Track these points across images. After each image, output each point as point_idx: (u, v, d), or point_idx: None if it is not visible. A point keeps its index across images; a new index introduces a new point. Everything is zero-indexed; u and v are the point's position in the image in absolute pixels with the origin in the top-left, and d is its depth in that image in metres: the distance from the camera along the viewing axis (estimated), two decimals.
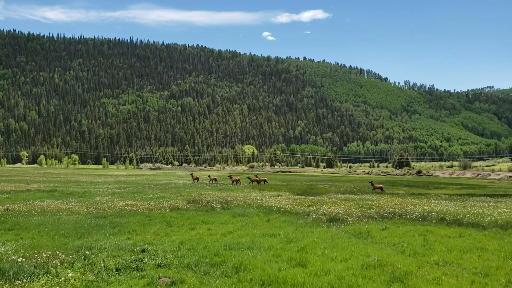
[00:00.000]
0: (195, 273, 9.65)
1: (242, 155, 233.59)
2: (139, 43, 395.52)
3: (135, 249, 11.70)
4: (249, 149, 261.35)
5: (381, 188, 38.50)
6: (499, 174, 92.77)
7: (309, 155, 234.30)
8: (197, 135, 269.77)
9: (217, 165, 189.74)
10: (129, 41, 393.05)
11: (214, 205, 23.98)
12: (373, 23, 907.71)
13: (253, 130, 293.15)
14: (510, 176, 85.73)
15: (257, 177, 52.71)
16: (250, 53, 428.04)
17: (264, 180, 50.10)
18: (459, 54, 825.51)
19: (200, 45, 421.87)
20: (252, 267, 9.87)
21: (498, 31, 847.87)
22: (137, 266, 10.03)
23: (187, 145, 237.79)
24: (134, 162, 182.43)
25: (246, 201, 26.46)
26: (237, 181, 48.89)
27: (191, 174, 56.94)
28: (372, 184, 40.03)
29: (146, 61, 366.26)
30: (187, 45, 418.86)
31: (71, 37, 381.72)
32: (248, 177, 52.29)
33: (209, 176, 55.91)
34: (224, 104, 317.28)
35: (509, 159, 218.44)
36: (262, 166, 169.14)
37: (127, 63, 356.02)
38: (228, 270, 9.84)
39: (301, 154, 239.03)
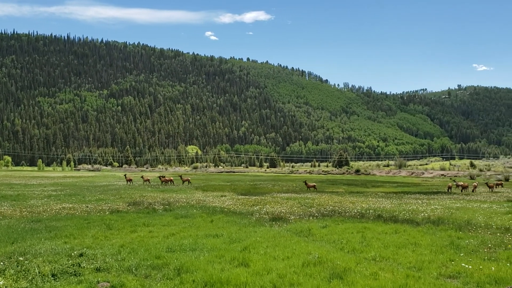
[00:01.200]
0: (136, 277, 9.44)
1: (186, 155, 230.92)
2: (77, 40, 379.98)
3: (72, 254, 11.27)
4: (192, 149, 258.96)
5: (314, 186, 39.72)
6: (431, 173, 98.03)
7: (253, 155, 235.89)
8: (138, 135, 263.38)
9: (160, 166, 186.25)
10: (66, 38, 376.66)
11: (156, 207, 23.56)
12: (314, 26, 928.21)
13: (197, 130, 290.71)
14: (442, 175, 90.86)
15: (181, 177, 52.59)
16: (193, 53, 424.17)
17: (188, 180, 49.85)
18: (394, 58, 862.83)
19: (141, 43, 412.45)
20: (195, 269, 9.80)
21: (431, 36, 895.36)
22: (74, 271, 9.66)
23: (128, 146, 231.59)
24: (72, 163, 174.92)
25: (189, 202, 26.22)
26: (171, 181, 48.68)
27: (125, 175, 55.65)
28: (306, 184, 41.08)
29: (84, 59, 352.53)
30: (127, 43, 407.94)
31: (3, 32, 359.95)
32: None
33: (142, 177, 54.73)
34: (166, 103, 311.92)
35: (441, 158, 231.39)
36: (206, 167, 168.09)
37: (64, 60, 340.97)
38: (170, 272, 9.70)
39: (245, 154, 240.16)
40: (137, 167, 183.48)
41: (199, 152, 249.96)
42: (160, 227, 16.36)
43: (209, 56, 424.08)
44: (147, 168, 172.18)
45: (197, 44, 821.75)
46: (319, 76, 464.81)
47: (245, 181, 59.35)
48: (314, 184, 40.56)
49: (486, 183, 45.17)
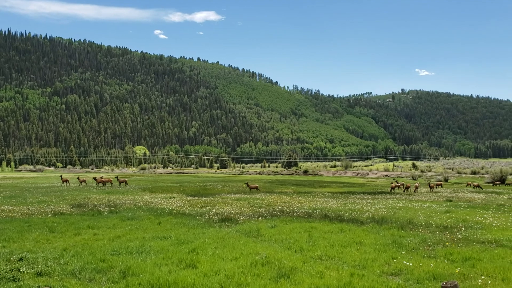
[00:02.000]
0: (79, 281, 9.14)
1: (133, 156, 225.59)
2: (18, 35, 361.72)
3: (11, 258, 10.75)
4: (140, 150, 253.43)
5: (256, 187, 39.82)
6: (376, 173, 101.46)
7: (203, 156, 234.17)
8: (83, 135, 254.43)
9: (106, 167, 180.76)
10: (6, 32, 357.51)
11: (101, 209, 22.90)
12: (264, 28, 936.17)
13: (145, 131, 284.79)
14: (386, 175, 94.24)
15: (117, 178, 51.31)
16: (142, 51, 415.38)
17: (124, 181, 48.68)
18: (341, 61, 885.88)
19: (87, 40, 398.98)
20: (141, 271, 9.62)
21: (376, 41, 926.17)
22: (13, 276, 9.21)
23: (72, 146, 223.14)
24: (12, 164, 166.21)
25: (137, 204, 25.69)
26: (109, 182, 47.61)
27: (61, 176, 53.58)
28: (247, 185, 41.08)
29: (26, 55, 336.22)
30: (73, 40, 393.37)
31: None
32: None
33: (78, 178, 52.79)
34: (113, 102, 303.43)
35: (385, 159, 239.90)
36: (155, 168, 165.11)
37: (5, 56, 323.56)
38: (115, 275, 9.47)
39: (195, 155, 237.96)
40: (82, 168, 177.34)
41: (147, 153, 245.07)
42: (105, 230, 15.91)
43: (158, 55, 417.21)
44: (92, 169, 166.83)
45: (146, 42, 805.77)
46: (269, 78, 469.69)
47: (195, 182, 58.88)
48: (256, 185, 40.71)
49: (428, 184, 47.33)
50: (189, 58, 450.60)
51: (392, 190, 42.22)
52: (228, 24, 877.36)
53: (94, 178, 48.86)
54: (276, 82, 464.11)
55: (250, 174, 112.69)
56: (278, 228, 15.92)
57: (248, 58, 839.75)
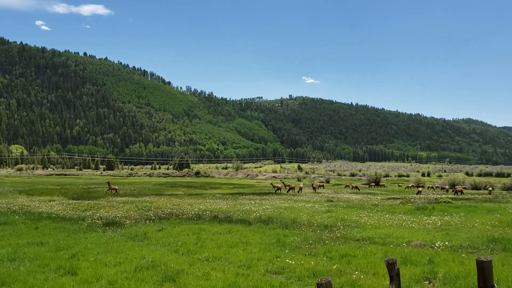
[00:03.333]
0: None
1: (9, 156, 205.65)
2: None
3: None
4: (17, 149, 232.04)
5: (115, 189, 38.84)
6: (265, 175, 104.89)
7: (87, 157, 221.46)
8: None
9: None
10: None
11: None
12: (157, 26, 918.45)
13: (23, 128, 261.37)
14: (273, 177, 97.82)
15: None
16: (22, 42, 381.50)
17: None
18: (235, 65, 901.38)
19: None
20: (13, 281, 8.84)
21: (268, 48, 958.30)
22: None
23: None
24: None
25: (11, 208, 23.53)
26: None
27: None
28: (108, 185, 40.20)
29: None
30: None
31: None
32: None
33: None
34: None
35: (273, 162, 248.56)
36: (33, 169, 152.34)
37: None
38: None
39: (79, 156, 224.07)
40: None
41: (25, 152, 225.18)
42: None
43: (40, 47, 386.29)
44: None
45: (26, 33, 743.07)
46: (162, 77, 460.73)
47: (78, 185, 55.53)
48: (116, 187, 39.67)
49: (312, 185, 50.08)
50: (74, 52, 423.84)
51: (278, 191, 43.91)
52: (118, 19, 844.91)
53: None
54: (169, 82, 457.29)
55: (139, 176, 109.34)
56: (166, 231, 15.68)
57: (140, 56, 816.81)
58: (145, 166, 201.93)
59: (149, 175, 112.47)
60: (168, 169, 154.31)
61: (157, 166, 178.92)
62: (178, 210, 23.31)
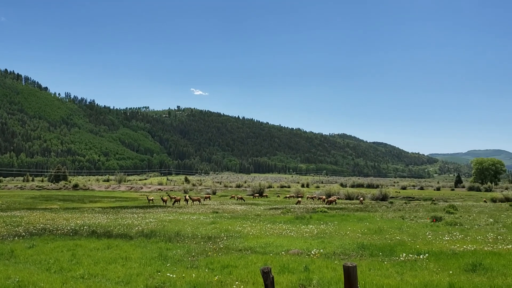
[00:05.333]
0: None
1: None
2: None
3: None
4: None
5: None
6: (150, 187, 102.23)
7: None
8: None
9: None
10: None
11: None
12: (34, 28, 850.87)
13: None
14: (159, 189, 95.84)
15: None
16: None
17: None
18: (119, 73, 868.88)
19: None
20: None
21: (157, 57, 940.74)
22: None
23: None
24: None
25: None
26: None
27: None
28: None
29: None
30: None
31: None
32: None
33: None
34: None
35: (160, 174, 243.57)
36: None
37: None
38: None
39: None
40: None
41: None
42: None
43: None
44: None
45: None
46: (38, 82, 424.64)
47: None
48: None
49: (189, 197, 49.51)
50: None
51: (165, 203, 43.16)
52: None
53: None
54: (46, 88, 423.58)
55: (9, 189, 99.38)
56: (37, 248, 14.51)
57: (13, 58, 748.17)
58: (16, 178, 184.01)
59: (21, 188, 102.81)
60: (42, 181, 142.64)
61: (30, 178, 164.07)
62: (52, 225, 21.70)
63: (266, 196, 70.30)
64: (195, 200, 46.96)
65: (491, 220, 24.30)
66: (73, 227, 21.04)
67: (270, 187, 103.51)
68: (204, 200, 51.09)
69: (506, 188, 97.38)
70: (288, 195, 68.20)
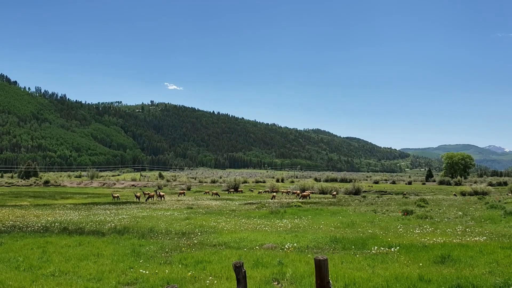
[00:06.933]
0: None
1: None
2: None
3: None
4: None
5: None
6: (123, 183, 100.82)
7: None
8: None
9: None
10: None
11: None
12: (3, 24, 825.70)
13: None
14: (133, 185, 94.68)
15: None
16: None
17: None
18: (90, 66, 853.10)
19: None
20: None
21: (126, 51, 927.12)
22: None
23: None
24: None
25: None
26: None
27: None
28: None
29: None
30: None
31: None
32: None
33: None
34: None
35: (133, 170, 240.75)
36: None
37: None
38: None
39: None
40: None
41: None
42: None
43: None
44: None
45: None
46: (6, 76, 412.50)
47: None
48: None
49: (159, 194, 48.76)
50: None
51: (138, 199, 42.73)
52: None
53: None
54: (15, 82, 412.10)
55: None
56: (6, 246, 14.19)
57: None
58: None
59: None
60: (12, 177, 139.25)
61: (0, 175, 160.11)
62: (22, 222, 21.21)
63: (242, 191, 70.36)
64: (154, 196, 46.27)
65: (460, 213, 24.98)
66: (44, 224, 20.62)
67: (245, 182, 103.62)
68: (179, 196, 50.76)
69: (475, 182, 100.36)
70: (263, 190, 68.44)
